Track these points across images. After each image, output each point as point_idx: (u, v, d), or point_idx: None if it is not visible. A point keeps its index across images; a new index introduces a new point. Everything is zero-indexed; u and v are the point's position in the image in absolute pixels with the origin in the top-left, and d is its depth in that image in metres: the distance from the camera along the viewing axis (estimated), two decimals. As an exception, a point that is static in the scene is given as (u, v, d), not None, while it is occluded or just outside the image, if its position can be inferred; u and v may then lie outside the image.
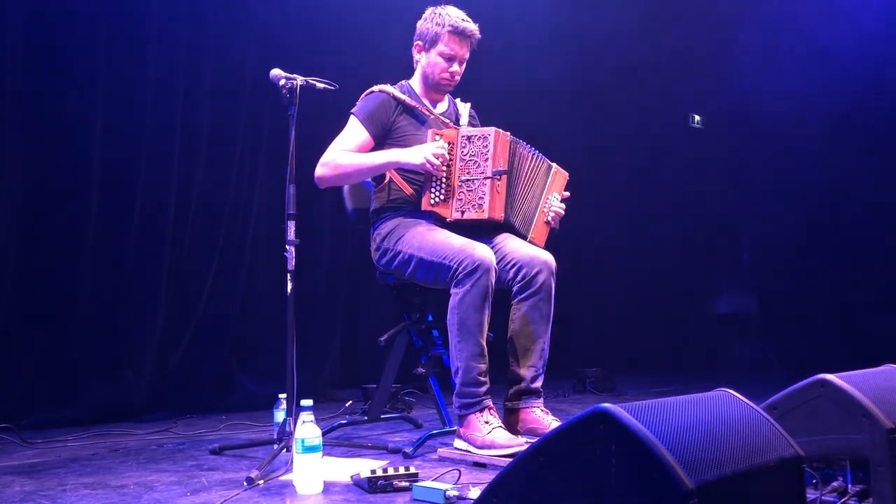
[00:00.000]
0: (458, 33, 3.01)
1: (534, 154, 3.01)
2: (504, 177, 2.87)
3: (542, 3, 5.48)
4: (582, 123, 6.15)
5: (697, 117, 6.96)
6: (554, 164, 3.07)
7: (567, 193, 3.10)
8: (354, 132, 3.00)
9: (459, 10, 3.08)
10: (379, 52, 4.83)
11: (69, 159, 3.85)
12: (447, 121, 3.11)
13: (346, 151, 2.96)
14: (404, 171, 2.97)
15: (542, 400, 2.89)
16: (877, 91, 5.43)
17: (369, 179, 3.11)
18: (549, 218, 3.03)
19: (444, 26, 3.00)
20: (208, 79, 4.34)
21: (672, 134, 6.64)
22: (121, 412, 3.88)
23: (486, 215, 2.84)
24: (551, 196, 3.04)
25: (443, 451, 2.78)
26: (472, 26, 3.04)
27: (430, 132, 2.95)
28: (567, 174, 3.11)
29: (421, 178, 2.94)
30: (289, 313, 2.76)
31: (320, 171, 2.97)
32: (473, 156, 2.87)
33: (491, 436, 2.64)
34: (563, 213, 3.07)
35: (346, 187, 3.37)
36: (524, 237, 2.99)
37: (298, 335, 2.78)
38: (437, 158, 2.83)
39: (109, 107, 3.95)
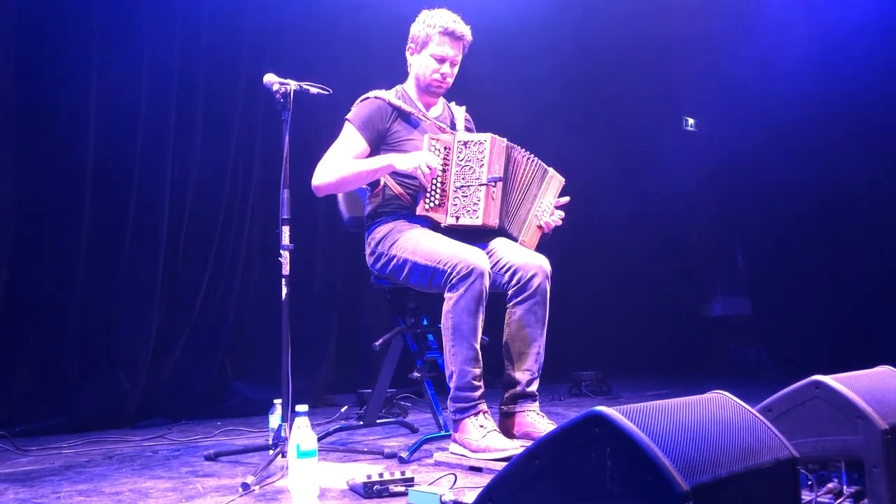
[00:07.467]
0: (449, 35, 3.01)
1: (529, 159, 2.99)
2: (499, 183, 2.86)
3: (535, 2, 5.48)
4: (576, 124, 6.15)
5: (691, 120, 6.98)
6: (550, 169, 3.03)
7: (564, 199, 3.06)
8: (350, 139, 3.00)
9: (452, 12, 3.08)
10: (372, 57, 4.83)
11: (62, 164, 3.84)
12: (443, 125, 3.11)
13: (343, 159, 2.97)
14: (399, 175, 2.97)
15: (537, 403, 2.89)
16: (874, 94, 5.45)
17: (364, 185, 3.11)
18: (542, 223, 3.00)
19: (435, 28, 3.01)
20: (202, 83, 4.33)
21: (667, 136, 6.65)
22: (115, 418, 3.87)
23: (480, 222, 2.83)
24: (545, 200, 3.00)
25: (439, 456, 2.78)
26: (464, 28, 3.04)
27: (425, 137, 2.94)
28: (563, 179, 3.06)
29: (416, 182, 2.94)
30: (283, 318, 2.76)
31: (317, 179, 2.97)
32: (469, 161, 2.87)
33: (486, 440, 2.64)
34: (560, 222, 3.03)
35: (340, 196, 3.37)
36: (515, 240, 2.98)
37: (293, 340, 2.77)
38: (429, 169, 2.83)
39: (103, 110, 3.94)
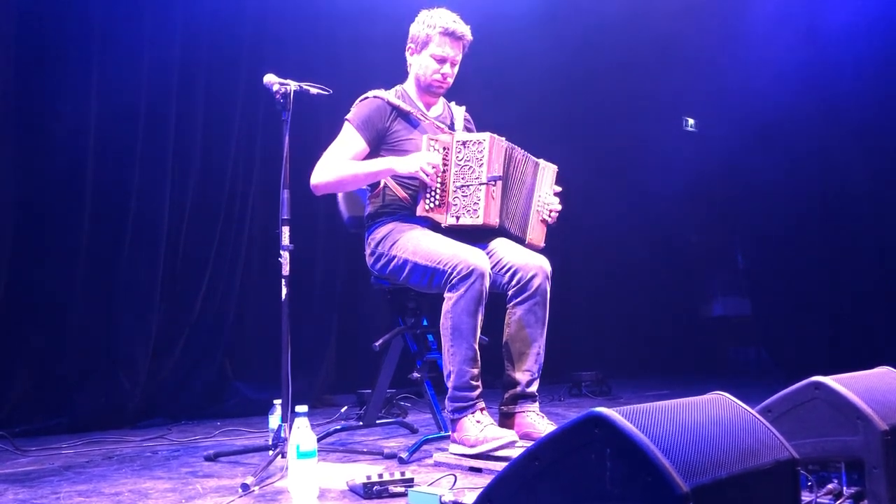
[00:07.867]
0: (449, 35, 3.01)
1: (526, 157, 3.00)
2: (499, 183, 2.86)
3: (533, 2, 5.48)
4: (575, 124, 6.15)
5: (691, 121, 6.98)
6: (541, 160, 3.04)
7: (558, 188, 3.07)
8: (349, 139, 3.00)
9: (451, 12, 3.08)
10: (372, 57, 4.83)
11: (62, 164, 3.84)
12: (442, 125, 3.11)
13: (342, 159, 2.96)
14: (400, 176, 2.97)
15: (537, 404, 2.89)
16: (873, 94, 5.44)
17: (363, 186, 3.11)
18: (546, 215, 3.01)
19: (435, 28, 3.00)
20: (202, 83, 4.33)
21: (666, 136, 6.65)
22: (115, 419, 3.87)
23: (480, 221, 2.83)
24: (543, 193, 3.01)
25: (438, 457, 2.78)
26: (464, 28, 3.04)
27: (424, 138, 2.94)
28: (556, 167, 3.07)
29: (416, 182, 2.93)
30: (283, 319, 2.76)
31: (316, 178, 2.97)
32: (468, 161, 2.87)
33: (483, 433, 2.65)
34: (559, 208, 3.04)
35: (340, 196, 3.37)
36: (522, 241, 2.98)
37: (293, 341, 2.77)
38: (432, 168, 2.83)
39: (103, 110, 3.94)
